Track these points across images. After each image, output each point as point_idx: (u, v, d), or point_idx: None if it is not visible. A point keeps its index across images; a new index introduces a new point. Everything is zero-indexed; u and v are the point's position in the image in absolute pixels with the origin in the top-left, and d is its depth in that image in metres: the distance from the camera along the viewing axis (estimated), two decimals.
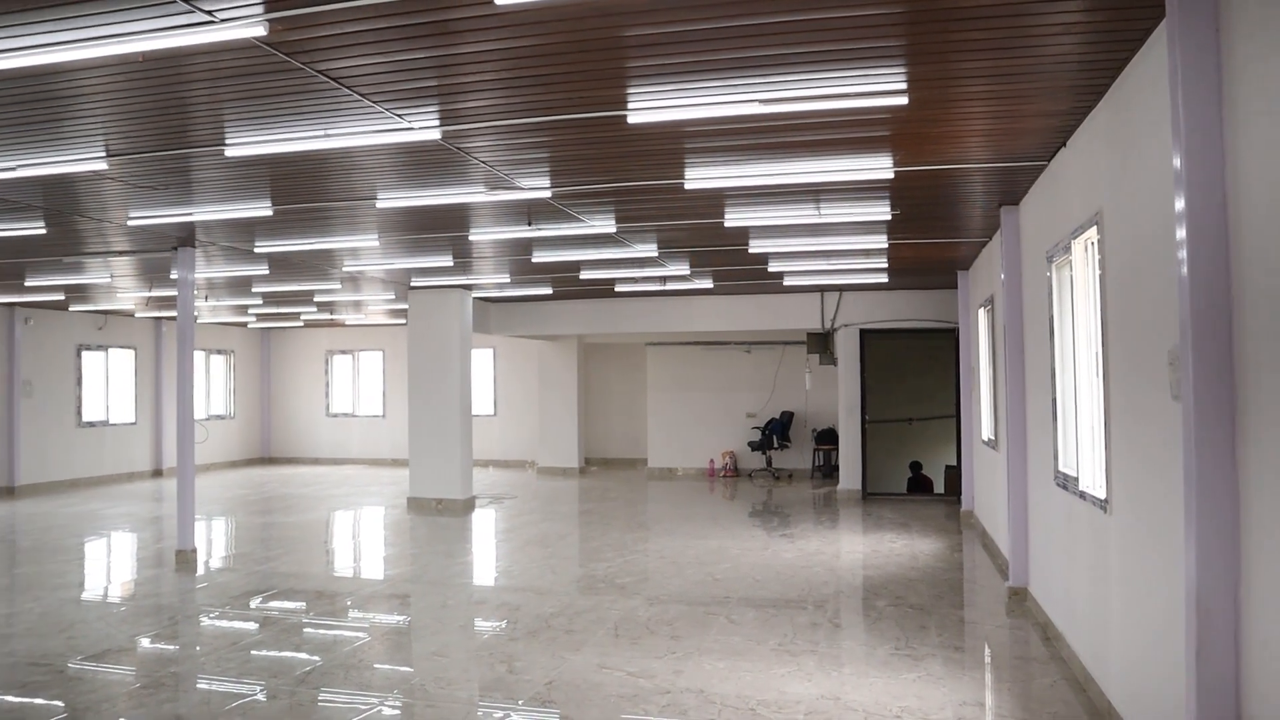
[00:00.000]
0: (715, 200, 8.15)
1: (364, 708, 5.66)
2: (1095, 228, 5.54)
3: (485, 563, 10.63)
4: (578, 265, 12.10)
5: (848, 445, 15.44)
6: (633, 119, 5.55)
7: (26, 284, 13.55)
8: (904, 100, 5.25)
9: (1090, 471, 6.00)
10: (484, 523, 13.34)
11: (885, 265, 12.09)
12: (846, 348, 15.46)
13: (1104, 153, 5.38)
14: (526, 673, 6.29)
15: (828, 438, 17.89)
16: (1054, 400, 6.76)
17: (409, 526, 12.97)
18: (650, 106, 5.46)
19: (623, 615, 7.79)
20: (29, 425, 17.06)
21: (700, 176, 7.19)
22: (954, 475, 14.99)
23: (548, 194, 7.72)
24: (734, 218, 8.80)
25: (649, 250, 10.70)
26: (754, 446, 18.25)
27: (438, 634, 7.52)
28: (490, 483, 17.96)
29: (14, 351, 16.80)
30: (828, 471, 18.01)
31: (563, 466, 19.60)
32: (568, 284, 14.28)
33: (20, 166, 6.76)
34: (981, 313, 11.34)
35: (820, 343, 16.01)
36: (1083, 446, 6.26)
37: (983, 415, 11.76)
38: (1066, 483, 6.45)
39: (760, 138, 6.21)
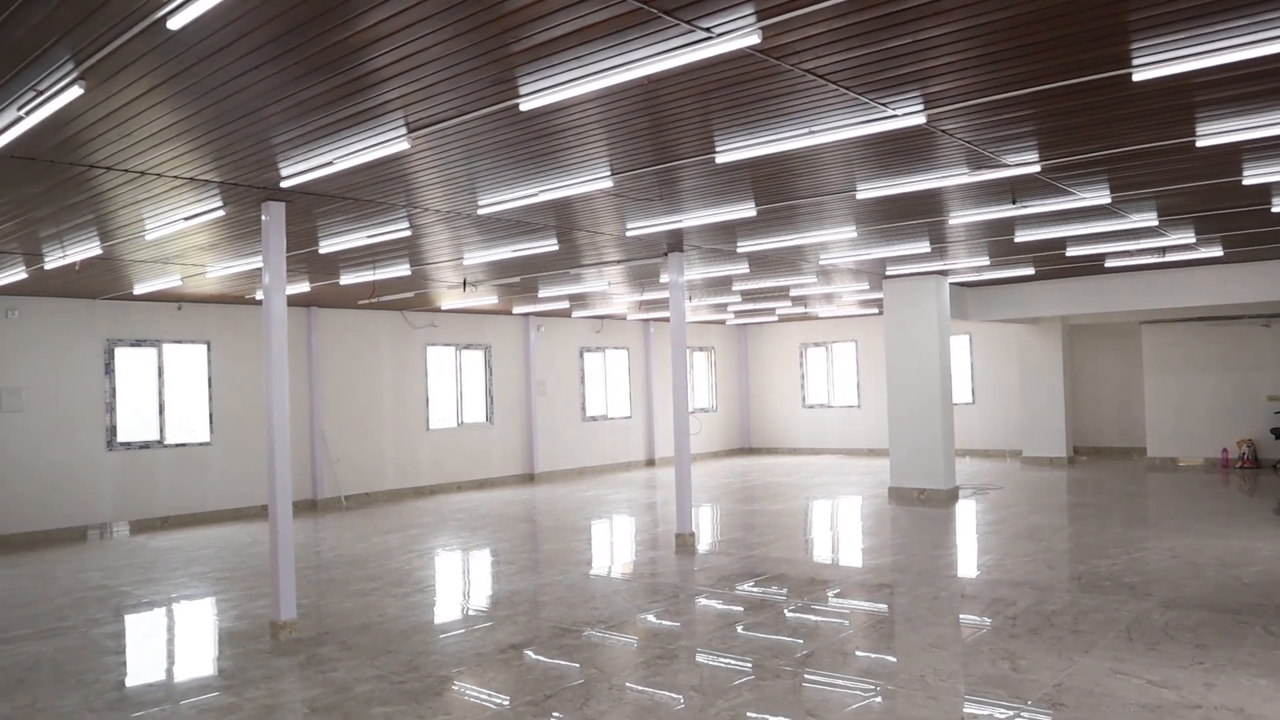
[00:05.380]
0: (1231, 156, 7.25)
1: (862, 694, 5.70)
2: None
3: (973, 555, 10.28)
4: (1063, 242, 11.34)
5: None
6: (1138, 76, 5.07)
7: (539, 295, 15.28)
8: None
9: None
10: (968, 514, 12.95)
11: None
12: None
13: None
14: (1031, 672, 5.98)
15: None
16: None
17: (891, 516, 12.91)
18: (1157, 60, 4.95)
19: (1134, 617, 7.17)
20: (543, 420, 19.32)
21: (1214, 131, 6.43)
22: None
23: (1036, 168, 7.30)
24: (1255, 174, 7.78)
25: (1147, 219, 9.76)
26: (1277, 434, 16.06)
27: (931, 625, 7.39)
28: (971, 473, 17.41)
29: (529, 356, 19.08)
30: None
31: (1049, 456, 18.58)
32: (1051, 263, 13.43)
33: (541, 192, 7.61)
34: None
35: None
36: None
37: None
38: None
39: None
